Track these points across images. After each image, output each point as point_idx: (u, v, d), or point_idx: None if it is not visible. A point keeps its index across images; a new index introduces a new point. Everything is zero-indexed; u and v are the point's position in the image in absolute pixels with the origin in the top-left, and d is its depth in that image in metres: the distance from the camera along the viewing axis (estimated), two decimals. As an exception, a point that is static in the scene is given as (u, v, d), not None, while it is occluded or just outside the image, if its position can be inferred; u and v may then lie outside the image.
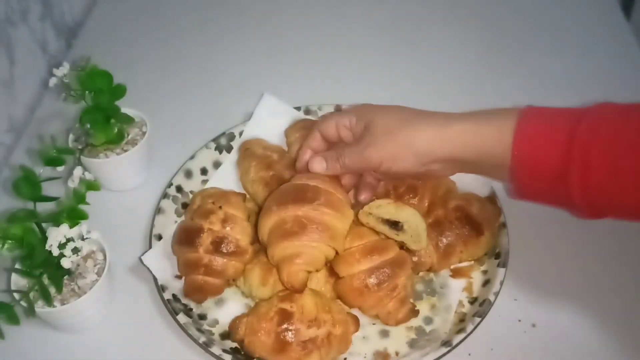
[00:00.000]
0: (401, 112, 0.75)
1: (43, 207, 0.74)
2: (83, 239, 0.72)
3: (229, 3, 1.31)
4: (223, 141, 0.96)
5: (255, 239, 0.80)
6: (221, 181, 0.92)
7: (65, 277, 0.76)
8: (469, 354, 0.76)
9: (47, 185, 0.74)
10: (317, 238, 0.74)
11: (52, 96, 1.08)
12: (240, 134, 0.97)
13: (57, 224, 0.72)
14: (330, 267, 0.78)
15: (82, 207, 0.74)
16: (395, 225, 0.76)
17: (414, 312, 0.78)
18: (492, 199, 0.86)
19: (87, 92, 0.86)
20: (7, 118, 1.05)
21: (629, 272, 0.83)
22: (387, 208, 0.77)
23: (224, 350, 0.73)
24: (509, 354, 0.76)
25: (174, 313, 0.77)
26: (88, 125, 0.85)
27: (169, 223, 0.87)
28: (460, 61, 1.16)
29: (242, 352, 0.75)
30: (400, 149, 0.72)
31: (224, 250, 0.78)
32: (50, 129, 1.03)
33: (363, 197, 0.80)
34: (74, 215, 0.73)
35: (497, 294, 0.77)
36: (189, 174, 0.93)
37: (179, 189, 0.91)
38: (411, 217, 0.76)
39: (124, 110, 0.90)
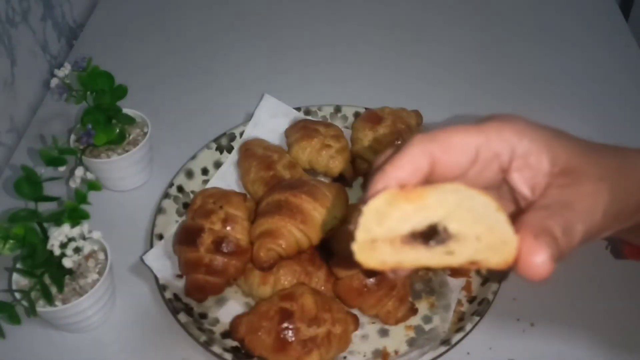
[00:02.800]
0: (607, 151, 0.49)
1: (44, 207, 0.74)
2: (84, 239, 0.72)
3: (230, 4, 1.31)
4: (224, 141, 0.97)
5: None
6: (222, 181, 0.93)
7: (67, 277, 0.76)
8: (468, 353, 0.76)
9: (48, 185, 0.74)
10: (289, 220, 0.77)
11: (54, 97, 1.08)
12: (241, 134, 0.97)
13: (58, 223, 0.72)
14: (330, 268, 0.78)
15: (83, 207, 0.74)
16: (430, 236, 0.40)
17: (413, 311, 0.78)
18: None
19: (88, 92, 0.86)
20: (8, 118, 1.05)
21: (628, 272, 0.83)
22: (399, 208, 0.40)
23: (225, 349, 0.74)
24: (507, 353, 0.76)
25: (175, 312, 0.77)
26: (90, 126, 0.85)
27: (170, 223, 0.88)
28: (461, 61, 1.17)
29: (243, 351, 0.75)
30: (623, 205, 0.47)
31: (225, 250, 0.79)
32: (51, 130, 1.03)
33: None
34: (76, 215, 0.73)
35: (495, 293, 0.78)
36: (190, 174, 0.93)
37: (180, 189, 0.92)
38: (461, 203, 0.40)
39: (125, 110, 0.91)
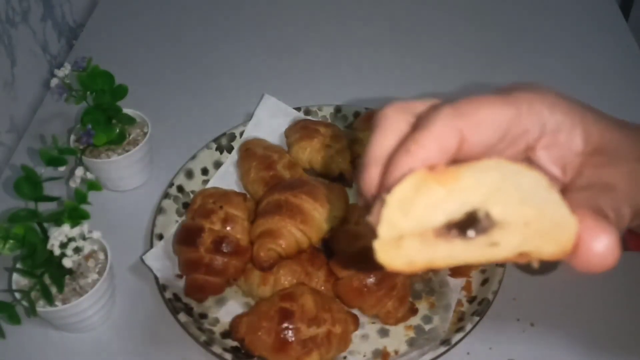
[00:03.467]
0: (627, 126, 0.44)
1: (44, 207, 0.74)
2: (84, 239, 0.73)
3: (230, 4, 1.31)
4: (224, 141, 0.97)
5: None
6: (222, 181, 0.93)
7: (67, 277, 0.76)
8: (468, 353, 0.76)
9: (48, 185, 0.74)
10: (289, 220, 0.77)
11: (54, 96, 1.08)
12: (241, 134, 0.97)
13: (58, 223, 0.72)
14: (330, 268, 0.78)
15: (83, 207, 0.74)
16: (470, 223, 0.33)
17: (413, 311, 0.78)
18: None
19: (88, 92, 0.86)
20: (8, 118, 1.05)
21: (628, 271, 0.83)
22: (430, 193, 0.33)
23: (225, 349, 0.74)
24: (507, 352, 0.76)
25: (174, 312, 0.77)
26: (90, 126, 0.85)
27: (170, 223, 0.88)
28: (461, 62, 1.17)
29: (243, 351, 0.75)
30: None
31: (225, 250, 0.79)
32: (51, 130, 1.03)
33: None
34: (76, 215, 0.73)
35: (495, 293, 0.78)
36: (190, 174, 0.93)
37: (180, 189, 0.92)
38: (504, 181, 0.33)
39: (125, 110, 0.91)
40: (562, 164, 0.40)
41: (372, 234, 0.33)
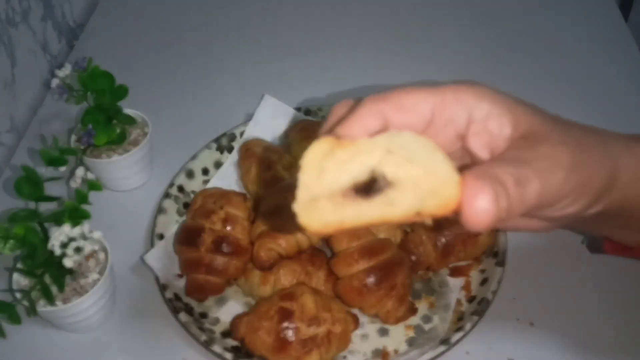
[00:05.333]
0: (572, 126, 0.46)
1: (45, 207, 0.74)
2: (85, 239, 0.73)
3: (230, 4, 1.31)
4: (224, 141, 0.97)
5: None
6: (222, 181, 0.93)
7: (67, 277, 0.76)
8: (467, 352, 0.76)
9: (49, 185, 0.74)
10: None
11: (54, 97, 1.09)
12: (241, 134, 0.97)
13: (59, 223, 0.72)
14: (329, 268, 0.78)
15: (84, 206, 0.74)
16: (370, 188, 0.37)
17: (413, 311, 0.78)
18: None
19: (89, 92, 0.87)
20: (8, 118, 1.05)
21: (628, 271, 0.83)
22: (334, 158, 0.37)
23: (225, 349, 0.74)
24: (507, 352, 0.76)
25: (175, 312, 0.78)
26: (90, 126, 0.86)
27: (171, 223, 0.88)
28: (461, 62, 1.17)
29: (243, 351, 0.75)
30: (589, 177, 0.43)
31: (225, 250, 0.79)
32: (51, 130, 1.04)
33: None
34: (76, 215, 0.73)
35: (495, 293, 0.78)
36: (190, 174, 0.93)
37: (181, 189, 0.92)
38: (392, 142, 0.37)
39: (125, 110, 0.91)
40: (491, 149, 0.42)
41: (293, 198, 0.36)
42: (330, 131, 0.41)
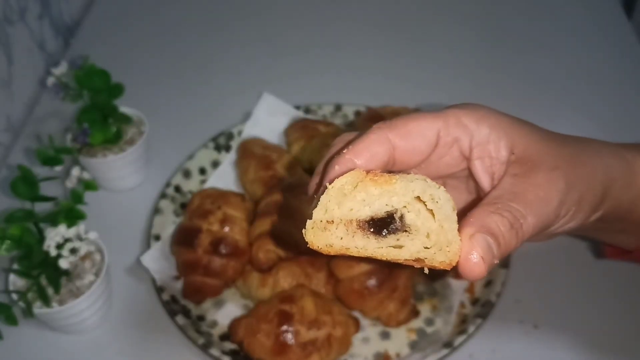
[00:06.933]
0: (565, 140, 0.50)
1: (41, 207, 0.74)
2: (81, 240, 0.72)
3: (228, 2, 1.30)
4: (222, 140, 0.96)
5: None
6: (220, 181, 0.92)
7: (63, 278, 0.75)
8: (471, 355, 0.75)
9: (44, 185, 0.73)
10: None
11: (50, 95, 1.07)
12: (239, 133, 0.96)
13: (54, 224, 0.72)
14: (330, 270, 0.78)
15: (79, 207, 0.74)
16: (386, 224, 0.40)
17: (415, 313, 0.77)
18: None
19: (85, 91, 0.86)
20: (4, 117, 1.04)
21: (631, 273, 0.82)
22: (365, 190, 0.40)
23: (223, 352, 0.73)
24: (510, 355, 0.76)
25: (172, 314, 0.77)
26: (86, 125, 0.85)
27: (168, 223, 0.87)
28: (462, 60, 1.16)
29: (242, 354, 0.74)
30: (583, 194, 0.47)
31: (223, 251, 0.78)
32: (48, 129, 1.03)
33: None
34: (72, 215, 0.73)
35: (498, 295, 0.77)
36: (187, 174, 0.92)
37: (178, 189, 0.91)
38: (425, 191, 0.40)
39: (122, 109, 0.90)
40: (491, 172, 0.46)
41: (309, 216, 0.40)
42: (337, 156, 0.44)
